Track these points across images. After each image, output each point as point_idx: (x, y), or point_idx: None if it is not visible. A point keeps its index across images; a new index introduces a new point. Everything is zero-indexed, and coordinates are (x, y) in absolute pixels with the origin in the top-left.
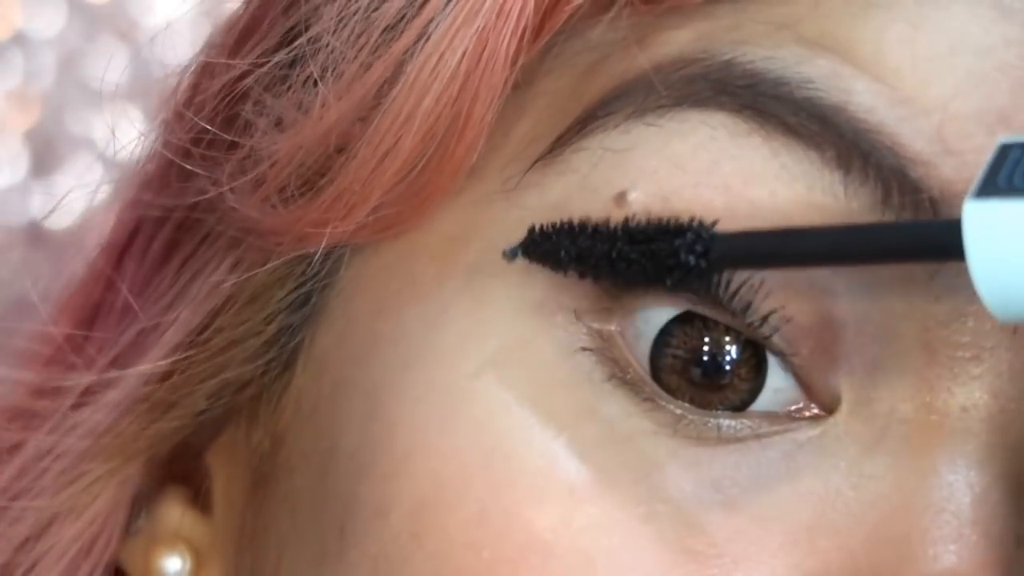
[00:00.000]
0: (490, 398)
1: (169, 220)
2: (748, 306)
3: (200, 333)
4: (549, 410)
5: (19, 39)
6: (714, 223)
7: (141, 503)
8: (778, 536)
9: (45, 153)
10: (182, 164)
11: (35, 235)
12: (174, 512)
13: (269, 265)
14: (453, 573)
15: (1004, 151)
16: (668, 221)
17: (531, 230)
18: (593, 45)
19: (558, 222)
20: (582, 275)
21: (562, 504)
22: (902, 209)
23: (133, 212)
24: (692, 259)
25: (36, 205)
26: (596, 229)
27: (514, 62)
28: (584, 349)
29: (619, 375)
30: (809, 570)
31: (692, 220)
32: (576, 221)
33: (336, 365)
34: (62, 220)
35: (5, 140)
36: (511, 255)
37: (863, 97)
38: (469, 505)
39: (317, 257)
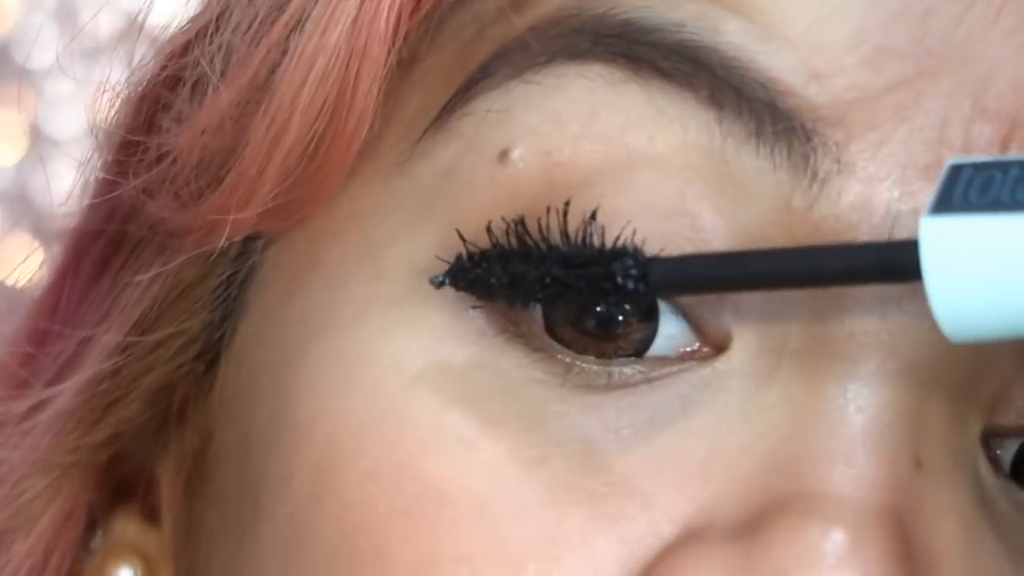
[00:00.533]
0: (383, 359)
1: (102, 235)
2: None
3: (129, 338)
4: (442, 366)
5: None
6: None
7: (98, 523)
8: (673, 472)
9: None
10: (103, 176)
11: None
12: (129, 527)
13: (174, 262)
14: (352, 530)
15: (955, 171)
16: (603, 244)
17: (459, 257)
18: (476, 15)
19: (488, 248)
20: (511, 302)
21: (452, 453)
22: (776, 139)
23: (74, 233)
24: (630, 283)
25: None
26: (527, 254)
27: (396, 33)
28: (475, 307)
29: (511, 329)
30: (703, 502)
31: (627, 244)
32: (508, 245)
33: (252, 353)
34: None
35: None
36: (438, 283)
37: (732, 36)
38: (363, 463)
39: (231, 250)
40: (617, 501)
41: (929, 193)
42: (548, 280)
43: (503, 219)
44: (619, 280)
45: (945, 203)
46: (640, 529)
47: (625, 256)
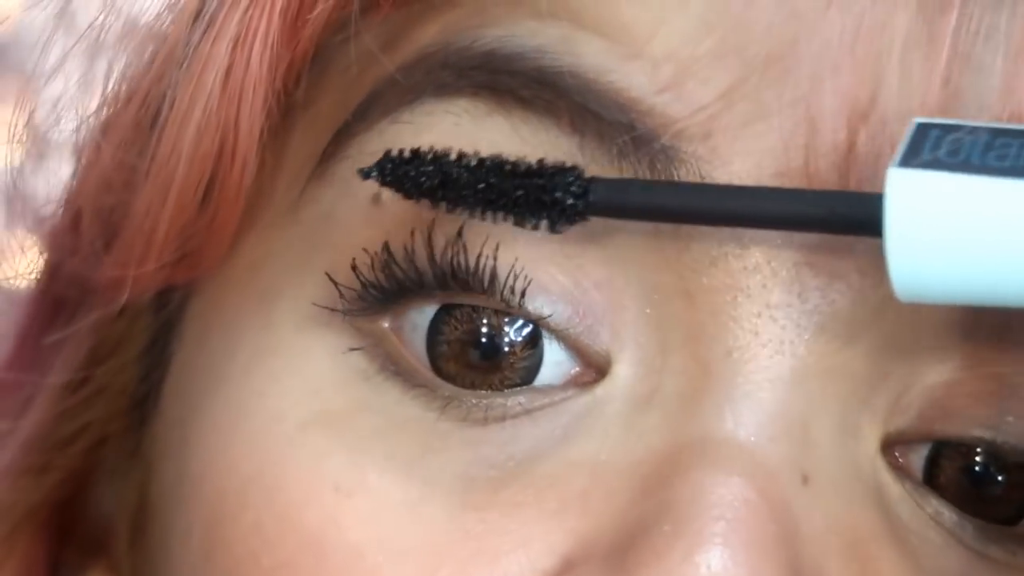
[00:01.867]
0: (267, 411)
1: (43, 295)
2: (503, 285)
3: (66, 394)
4: (323, 412)
5: None
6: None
7: None
8: (552, 503)
9: None
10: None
11: None
12: None
13: (88, 319)
14: None
15: (923, 129)
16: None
17: (387, 152)
18: (356, 58)
19: (420, 147)
20: (436, 202)
21: (330, 502)
22: (638, 161)
23: (31, 297)
24: (569, 199)
25: None
26: (462, 157)
27: (273, 73)
28: (353, 349)
29: (391, 367)
30: (583, 533)
31: (564, 163)
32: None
33: (170, 406)
34: None
35: None
36: (365, 174)
37: (592, 58)
38: (247, 516)
39: (155, 304)
40: (495, 539)
41: None
42: (483, 186)
43: (365, 251)
44: (558, 194)
45: (913, 158)
46: (519, 565)
47: (567, 171)
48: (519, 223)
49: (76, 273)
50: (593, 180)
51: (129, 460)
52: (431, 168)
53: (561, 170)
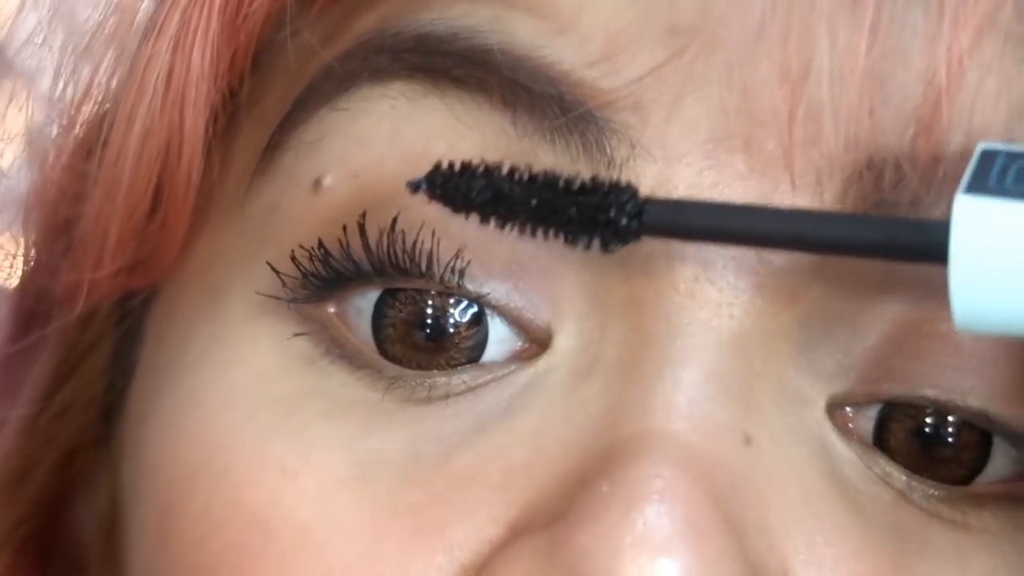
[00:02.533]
0: (215, 399)
1: (13, 316)
2: (443, 268)
3: (34, 413)
4: (269, 397)
5: None
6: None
7: None
8: (496, 475)
9: None
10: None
11: None
12: None
13: (51, 328)
14: (191, 571)
15: (988, 156)
16: (594, 179)
17: (437, 164)
18: (295, 52)
19: (472, 160)
20: (486, 218)
21: (276, 482)
22: (569, 132)
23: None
24: (624, 219)
25: None
26: (513, 172)
27: (216, 70)
28: (298, 334)
29: (335, 351)
30: (527, 501)
31: (619, 181)
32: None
33: (132, 410)
34: None
35: None
36: (413, 187)
37: (523, 35)
38: (196, 502)
39: (117, 313)
40: (439, 511)
41: (738, 164)
42: (535, 202)
43: (302, 247)
44: (612, 214)
45: (980, 185)
46: (464, 536)
47: (622, 190)
48: (571, 242)
49: (37, 285)
50: (648, 200)
51: (99, 472)
52: (482, 182)
53: (616, 189)
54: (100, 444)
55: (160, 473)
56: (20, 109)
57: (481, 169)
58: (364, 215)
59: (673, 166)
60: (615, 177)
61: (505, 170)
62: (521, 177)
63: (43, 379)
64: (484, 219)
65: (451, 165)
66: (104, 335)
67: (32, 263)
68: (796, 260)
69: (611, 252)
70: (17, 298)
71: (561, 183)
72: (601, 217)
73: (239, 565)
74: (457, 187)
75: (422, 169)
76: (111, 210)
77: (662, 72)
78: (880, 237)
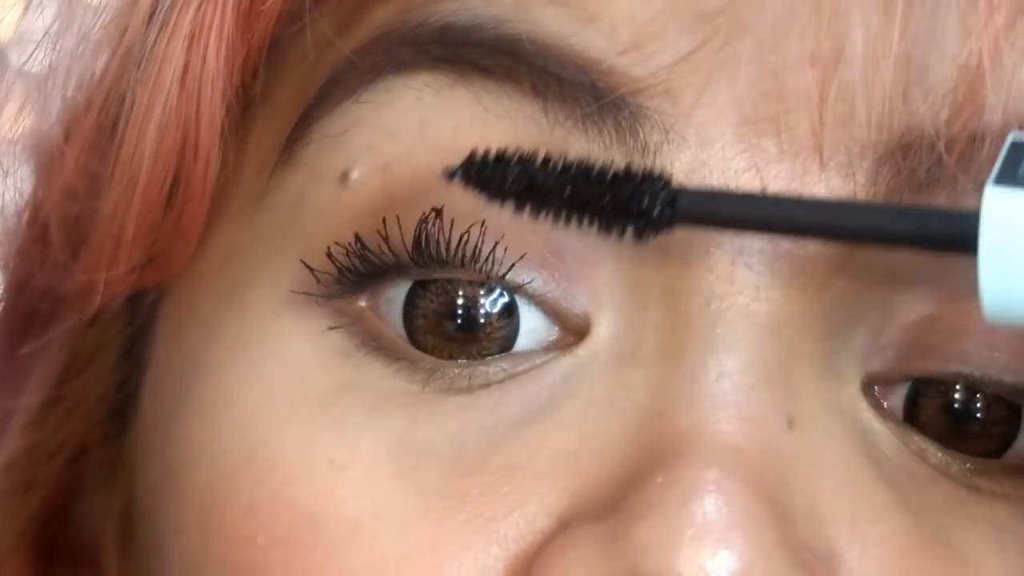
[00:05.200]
0: (251, 397)
1: (12, 310)
2: (484, 259)
3: (43, 410)
4: (307, 393)
5: None
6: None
7: None
8: (544, 465)
9: None
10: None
11: None
12: None
13: (62, 327)
14: (238, 568)
15: (1018, 148)
16: (627, 168)
17: (473, 152)
18: (312, 45)
19: (506, 149)
20: (520, 206)
21: (323, 476)
22: (602, 119)
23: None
24: (657, 208)
25: None
26: (547, 160)
27: (231, 66)
28: (332, 328)
29: (371, 343)
30: (576, 491)
31: (652, 171)
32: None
33: (150, 409)
34: None
35: None
36: (449, 176)
37: (549, 23)
38: (240, 500)
39: (128, 311)
40: (491, 501)
41: (770, 147)
42: (569, 192)
43: (338, 243)
44: (646, 203)
45: (1009, 176)
46: (516, 526)
47: (656, 180)
48: (604, 231)
49: (46, 285)
50: (681, 190)
51: (111, 469)
52: (517, 171)
53: (649, 178)
54: (110, 441)
55: (197, 472)
56: (25, 110)
57: (516, 158)
58: (399, 207)
59: (706, 150)
60: (649, 163)
61: (540, 159)
62: (555, 166)
63: (49, 377)
64: (519, 208)
65: (486, 154)
66: (113, 334)
67: (31, 265)
68: (831, 243)
69: (645, 241)
70: (12, 297)
71: (595, 172)
72: (634, 206)
73: (288, 560)
74: (492, 175)
75: (452, 160)
76: (127, 208)
77: (693, 57)
78: (910, 227)
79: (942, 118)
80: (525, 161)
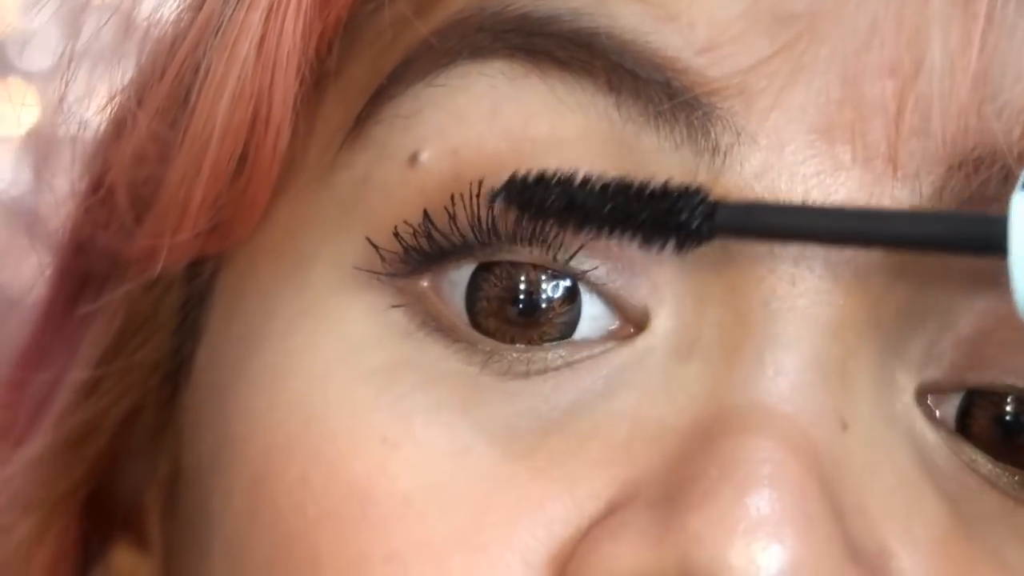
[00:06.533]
0: (310, 369)
1: (68, 273)
2: (553, 241)
3: (99, 369)
4: (364, 369)
5: None
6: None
7: (96, 558)
8: (596, 452)
9: None
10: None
11: None
12: (125, 558)
13: (121, 291)
14: (286, 538)
15: None
16: (666, 184)
17: (514, 175)
18: (387, 25)
19: (546, 171)
20: (563, 224)
21: (376, 452)
22: (675, 118)
23: (53, 276)
24: (695, 222)
25: None
26: (587, 181)
27: (306, 41)
28: (394, 306)
29: (431, 324)
30: (627, 479)
31: (689, 186)
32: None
33: (204, 376)
34: None
35: None
36: (491, 198)
37: (627, 19)
38: (292, 470)
39: (184, 277)
40: (541, 484)
41: (842, 154)
42: (608, 208)
43: (406, 222)
44: (684, 217)
45: None
46: (565, 510)
47: (693, 194)
48: (645, 245)
49: (107, 247)
50: (719, 203)
51: (159, 434)
52: (557, 191)
53: (687, 192)
54: (161, 407)
55: (252, 442)
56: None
57: (555, 179)
58: (468, 189)
59: (777, 153)
60: (719, 164)
61: (579, 179)
62: (594, 186)
63: (105, 339)
64: (561, 226)
65: (526, 175)
66: (169, 299)
67: (95, 226)
68: (890, 252)
69: (685, 254)
70: (70, 258)
71: (633, 189)
72: (673, 221)
73: (337, 532)
74: (533, 196)
75: (521, 146)
76: (195, 175)
77: (770, 61)
78: (944, 232)
79: (1014, 135)
80: (564, 182)
